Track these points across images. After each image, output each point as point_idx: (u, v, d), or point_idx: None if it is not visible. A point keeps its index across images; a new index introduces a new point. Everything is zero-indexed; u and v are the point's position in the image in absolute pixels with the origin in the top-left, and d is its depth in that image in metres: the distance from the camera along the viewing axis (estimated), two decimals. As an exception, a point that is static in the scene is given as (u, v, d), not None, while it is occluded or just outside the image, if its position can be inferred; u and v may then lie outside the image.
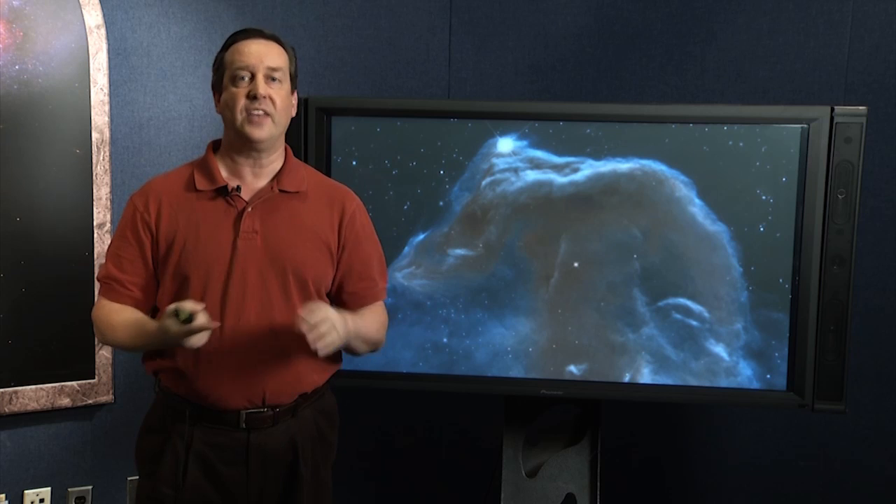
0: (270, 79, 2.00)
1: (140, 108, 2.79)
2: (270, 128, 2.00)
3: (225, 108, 2.02)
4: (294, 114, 2.10)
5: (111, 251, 2.07)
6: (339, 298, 2.13)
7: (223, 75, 2.03)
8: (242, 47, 2.01)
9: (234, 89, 2.00)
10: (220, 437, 2.02)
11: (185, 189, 2.04)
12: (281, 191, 2.05)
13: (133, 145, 2.79)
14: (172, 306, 1.86)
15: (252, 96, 1.97)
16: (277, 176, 2.06)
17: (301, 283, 2.04)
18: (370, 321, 2.13)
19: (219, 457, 2.02)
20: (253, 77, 1.99)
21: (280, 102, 2.01)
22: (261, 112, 1.98)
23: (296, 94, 2.11)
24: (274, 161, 2.07)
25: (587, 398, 2.67)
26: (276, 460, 2.05)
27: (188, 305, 1.84)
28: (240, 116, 1.99)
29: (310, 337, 1.87)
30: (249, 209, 2.02)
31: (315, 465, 2.11)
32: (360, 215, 2.15)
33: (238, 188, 2.03)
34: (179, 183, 2.06)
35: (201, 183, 2.04)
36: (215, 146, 2.10)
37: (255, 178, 2.06)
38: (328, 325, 1.89)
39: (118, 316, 2.02)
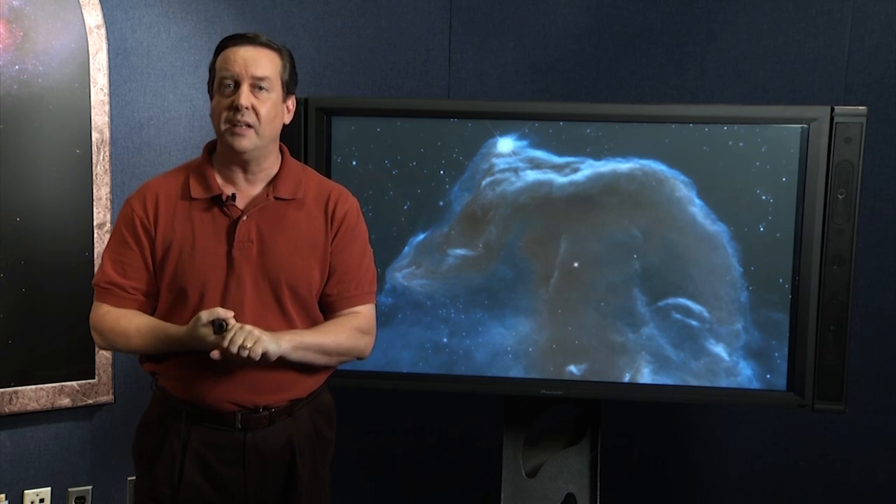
0: (257, 88, 1.96)
1: (140, 108, 2.79)
2: (253, 139, 1.96)
3: (212, 116, 2.00)
4: (289, 120, 2.07)
5: (111, 256, 2.03)
6: (320, 301, 2.10)
7: (213, 81, 2.01)
8: (230, 54, 1.97)
9: (219, 97, 1.98)
10: (218, 437, 2.02)
11: (180, 195, 2.02)
12: (276, 198, 2.03)
13: (133, 145, 2.79)
14: (206, 315, 1.87)
15: (234, 107, 1.94)
16: (273, 182, 2.04)
17: (295, 292, 2.03)
18: (331, 330, 2.06)
19: (216, 456, 2.02)
20: (238, 86, 1.95)
21: (265, 113, 1.96)
22: (242, 124, 1.94)
23: (294, 98, 2.07)
24: (267, 167, 2.05)
25: (587, 398, 2.67)
26: (274, 460, 2.05)
27: (221, 312, 1.87)
28: (222, 126, 1.96)
29: (231, 348, 1.86)
30: (244, 218, 2.00)
31: (313, 464, 2.11)
32: (352, 217, 2.10)
33: (233, 196, 2.01)
34: (175, 188, 2.04)
35: (196, 191, 2.01)
36: (211, 148, 2.08)
37: (248, 184, 2.03)
38: (244, 333, 1.87)
39: (129, 322, 2.00)
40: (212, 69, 2.02)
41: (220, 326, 1.87)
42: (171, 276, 1.99)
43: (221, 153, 2.03)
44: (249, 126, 1.95)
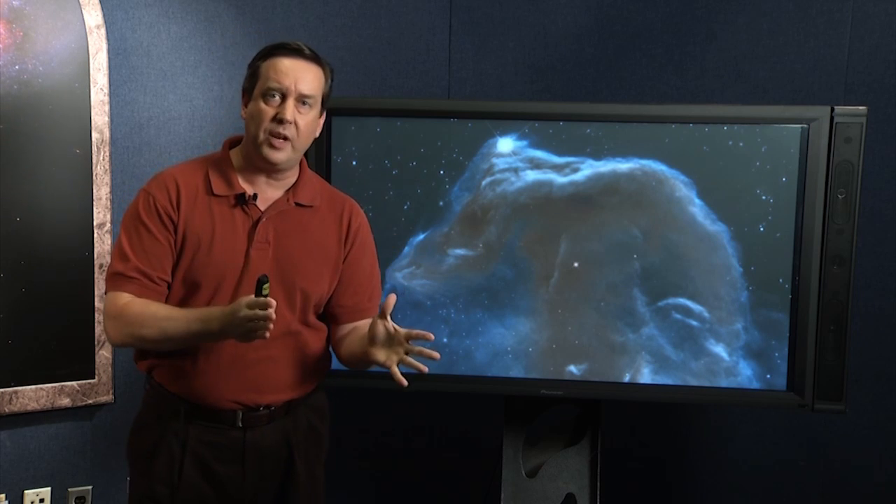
0: (301, 103, 1.97)
1: (140, 108, 2.79)
2: (289, 153, 1.98)
3: (250, 120, 1.99)
4: (318, 133, 2.07)
5: (133, 245, 1.96)
6: (329, 310, 2.11)
7: (255, 84, 1.99)
8: (280, 64, 1.97)
9: (262, 105, 1.97)
10: (216, 436, 2.02)
11: (201, 189, 2.01)
12: (296, 203, 2.05)
13: (133, 145, 2.79)
14: (247, 300, 1.81)
15: (278, 119, 1.95)
16: (293, 188, 2.05)
17: (307, 297, 2.04)
18: None
19: (215, 455, 2.03)
20: (284, 97, 1.96)
21: (304, 127, 1.98)
22: (282, 137, 1.95)
23: (325, 113, 2.08)
24: (290, 175, 2.06)
25: (587, 398, 2.67)
26: (272, 458, 2.06)
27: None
28: (262, 135, 1.96)
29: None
30: (264, 219, 2.01)
31: (309, 461, 2.12)
32: (365, 230, 2.14)
33: (255, 196, 2.01)
34: (195, 180, 2.02)
35: (219, 187, 2.01)
36: (231, 144, 2.08)
37: (269, 187, 2.04)
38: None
39: (160, 308, 1.93)
40: (255, 73, 2.00)
41: (262, 289, 1.79)
42: (185, 270, 1.98)
43: (249, 156, 2.02)
44: (287, 139, 1.96)
